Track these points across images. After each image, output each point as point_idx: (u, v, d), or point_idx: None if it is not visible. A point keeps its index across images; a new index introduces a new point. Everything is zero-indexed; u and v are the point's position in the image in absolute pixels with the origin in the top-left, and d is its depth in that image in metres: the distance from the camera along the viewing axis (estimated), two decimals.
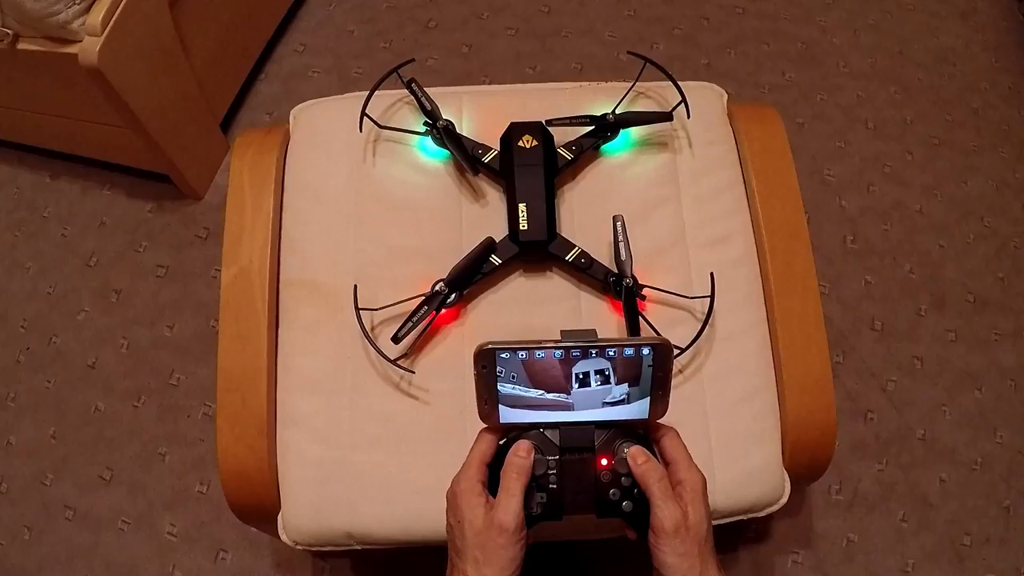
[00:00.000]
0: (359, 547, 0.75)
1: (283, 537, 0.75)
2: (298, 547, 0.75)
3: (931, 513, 1.14)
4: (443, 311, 0.75)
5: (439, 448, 0.74)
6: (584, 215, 0.82)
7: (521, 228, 0.76)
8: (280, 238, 0.82)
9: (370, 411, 0.75)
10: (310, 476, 0.74)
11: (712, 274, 0.78)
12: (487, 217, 0.81)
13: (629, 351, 0.53)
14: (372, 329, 0.76)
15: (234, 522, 0.80)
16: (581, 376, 0.53)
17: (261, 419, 0.74)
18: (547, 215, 0.77)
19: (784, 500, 0.78)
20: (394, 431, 0.75)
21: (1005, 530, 1.13)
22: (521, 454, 0.53)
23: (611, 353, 0.53)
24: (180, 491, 1.13)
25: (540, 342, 0.52)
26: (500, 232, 0.79)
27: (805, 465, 0.79)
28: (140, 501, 1.12)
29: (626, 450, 0.54)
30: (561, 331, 0.54)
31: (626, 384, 0.53)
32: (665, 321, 0.78)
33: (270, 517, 0.76)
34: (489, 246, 0.77)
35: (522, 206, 0.77)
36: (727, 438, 0.75)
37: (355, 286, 0.76)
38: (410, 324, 0.73)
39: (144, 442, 1.16)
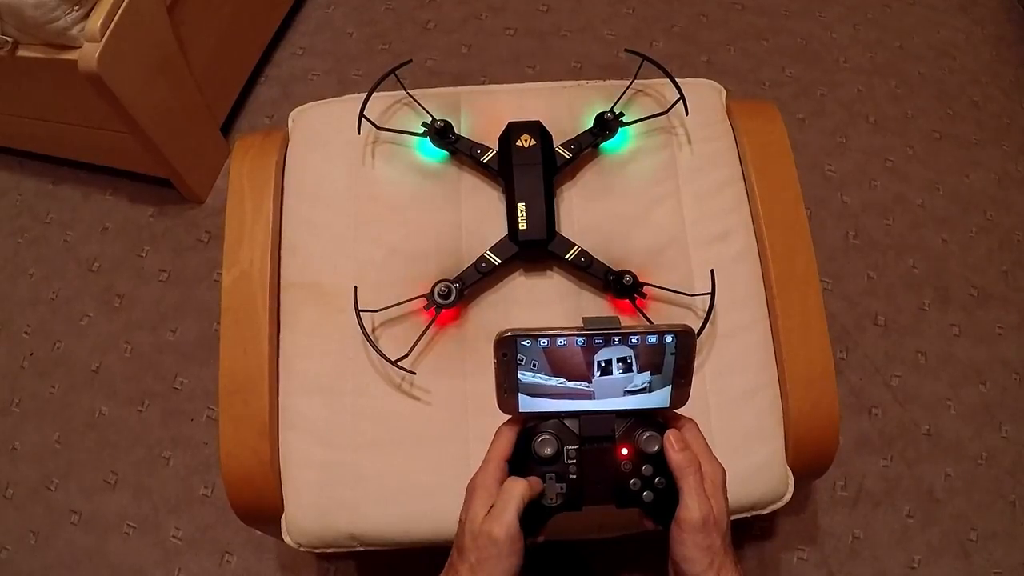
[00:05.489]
0: (362, 548, 0.75)
1: (287, 539, 0.75)
2: (302, 549, 0.75)
3: (937, 508, 1.13)
4: (443, 312, 0.75)
5: (440, 448, 0.74)
6: (583, 214, 0.82)
7: (520, 228, 0.76)
8: (280, 241, 0.82)
9: (371, 412, 0.75)
10: (312, 478, 0.74)
11: (712, 271, 0.78)
12: (486, 217, 0.81)
13: (652, 339, 0.52)
14: (373, 330, 0.76)
15: (239, 525, 0.80)
16: (603, 364, 0.52)
17: (263, 421, 0.74)
18: (546, 214, 0.77)
19: (787, 497, 0.77)
20: (396, 432, 0.75)
21: (1012, 524, 1.13)
22: (531, 480, 0.52)
23: (634, 340, 0.52)
24: (185, 494, 1.13)
25: (562, 329, 0.51)
26: (500, 232, 0.79)
27: (808, 462, 0.78)
28: (145, 505, 1.13)
29: (645, 436, 0.53)
30: (583, 318, 0.53)
31: (648, 372, 0.53)
32: (666, 319, 0.78)
33: (274, 519, 0.76)
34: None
35: (521, 206, 0.77)
36: (729, 435, 0.75)
37: (355, 288, 0.76)
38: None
39: (148, 446, 1.16)
